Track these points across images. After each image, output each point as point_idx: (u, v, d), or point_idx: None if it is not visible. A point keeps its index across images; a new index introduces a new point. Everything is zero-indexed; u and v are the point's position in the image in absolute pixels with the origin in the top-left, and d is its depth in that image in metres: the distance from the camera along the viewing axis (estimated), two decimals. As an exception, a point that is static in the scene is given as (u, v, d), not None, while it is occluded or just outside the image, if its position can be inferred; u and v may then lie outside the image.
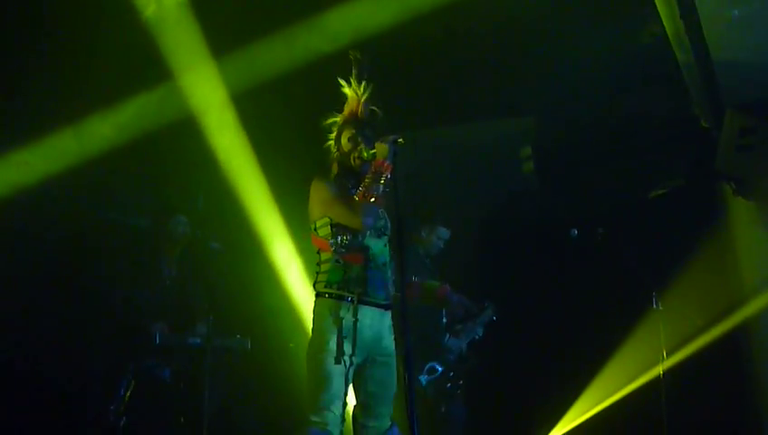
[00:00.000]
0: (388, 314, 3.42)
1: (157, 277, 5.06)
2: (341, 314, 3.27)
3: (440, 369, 4.97)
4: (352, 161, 3.44)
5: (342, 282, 3.30)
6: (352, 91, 3.45)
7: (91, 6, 4.52)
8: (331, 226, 3.36)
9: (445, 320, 5.17)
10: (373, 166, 3.33)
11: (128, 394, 4.70)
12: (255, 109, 5.16)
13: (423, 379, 4.87)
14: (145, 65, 4.86)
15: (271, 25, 4.66)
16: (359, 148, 3.40)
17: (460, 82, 5.14)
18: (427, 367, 4.92)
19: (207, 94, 5.14)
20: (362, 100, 3.44)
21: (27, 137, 4.96)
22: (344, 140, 3.47)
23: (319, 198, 3.41)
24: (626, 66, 5.02)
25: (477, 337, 5.24)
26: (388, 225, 3.50)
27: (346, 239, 3.30)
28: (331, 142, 3.52)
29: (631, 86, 5.24)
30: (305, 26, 4.64)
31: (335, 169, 3.52)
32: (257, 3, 4.59)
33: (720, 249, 5.42)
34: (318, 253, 3.45)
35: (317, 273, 3.42)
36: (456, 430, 5.12)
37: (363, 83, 3.42)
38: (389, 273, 3.44)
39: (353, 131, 3.46)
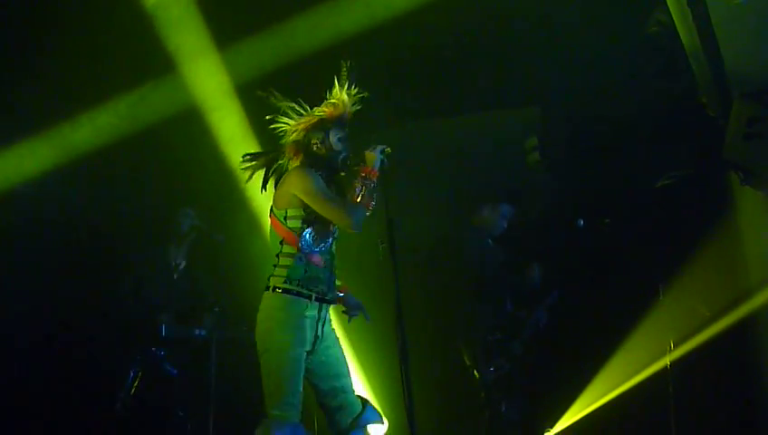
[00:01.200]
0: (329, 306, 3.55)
1: (165, 269, 5.07)
2: (302, 310, 3.36)
3: (506, 367, 4.91)
4: (339, 162, 3.50)
5: (303, 280, 3.36)
6: (345, 96, 3.49)
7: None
8: (303, 221, 3.39)
9: (509, 308, 5.10)
10: (363, 172, 3.44)
11: (135, 386, 4.71)
12: (259, 99, 5.14)
13: (487, 375, 4.81)
14: (149, 56, 4.86)
15: (274, 16, 4.65)
16: (350, 158, 3.50)
17: (465, 72, 5.12)
18: (492, 364, 4.86)
19: (212, 85, 5.15)
20: (350, 104, 3.50)
21: (33, 127, 4.98)
22: (333, 139, 3.49)
23: (303, 188, 3.39)
24: (632, 55, 4.99)
25: (542, 323, 5.19)
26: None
27: (319, 241, 3.39)
28: (296, 132, 3.50)
29: (637, 75, 5.21)
30: (309, 16, 4.62)
31: (298, 159, 3.53)
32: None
33: (727, 239, 5.39)
34: (280, 243, 3.43)
35: (274, 265, 3.42)
36: (512, 430, 5.05)
37: (353, 90, 3.48)
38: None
39: (343, 134, 3.52)
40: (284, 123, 3.51)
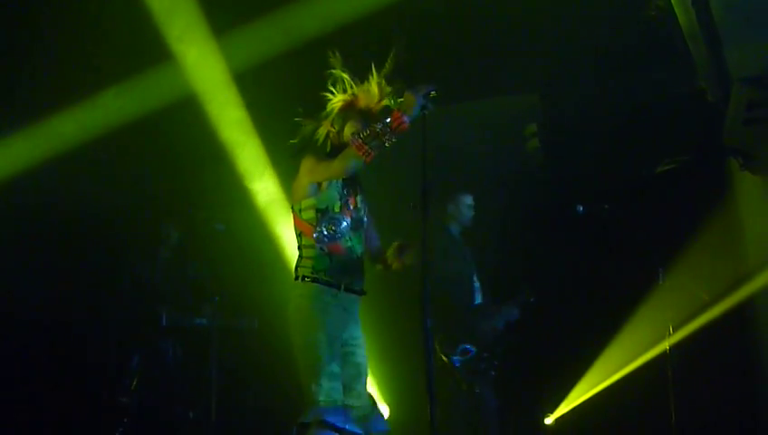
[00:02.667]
0: (360, 299, 3.43)
1: (154, 260, 5.10)
2: (329, 299, 3.28)
3: (473, 350, 4.95)
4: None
5: (329, 270, 3.29)
6: (378, 88, 3.28)
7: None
8: (316, 210, 3.29)
9: (478, 301, 5.16)
10: (391, 117, 3.05)
11: (136, 377, 4.73)
12: (258, 87, 5.13)
13: (456, 360, 4.86)
14: (145, 45, 4.83)
15: (272, 2, 4.61)
16: (388, 99, 3.23)
17: (463, 58, 5.09)
18: (460, 349, 4.91)
19: (209, 73, 5.12)
20: (383, 100, 3.29)
21: (30, 118, 4.97)
22: (348, 131, 3.33)
23: (306, 169, 3.28)
24: (631, 39, 4.96)
25: (513, 318, 5.24)
26: (366, 219, 3.44)
27: (331, 229, 3.26)
28: (326, 123, 3.37)
29: (637, 60, 5.18)
30: (307, 3, 4.59)
31: (327, 148, 3.40)
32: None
33: (727, 224, 5.39)
34: (299, 236, 3.37)
35: (300, 257, 3.36)
36: (490, 412, 5.09)
37: (391, 85, 3.27)
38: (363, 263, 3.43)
39: (360, 128, 3.26)
40: (330, 92, 3.33)
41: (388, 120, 3.05)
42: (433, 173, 3.02)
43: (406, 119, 3.04)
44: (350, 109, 3.33)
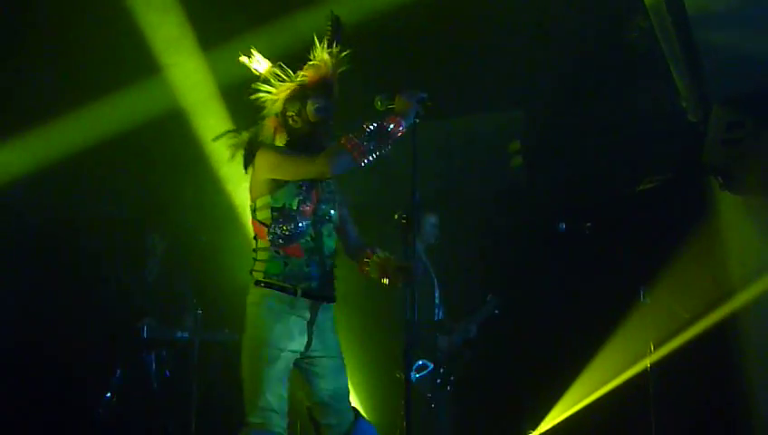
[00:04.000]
0: (331, 308, 3.09)
1: (143, 273, 5.08)
2: (282, 306, 2.93)
3: (430, 366, 4.98)
4: (322, 136, 3.00)
5: (282, 274, 2.93)
6: (327, 55, 2.96)
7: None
8: (272, 208, 2.93)
9: (438, 317, 5.19)
10: (386, 120, 2.80)
11: (115, 390, 4.69)
12: (243, 101, 5.14)
13: (413, 376, 4.86)
14: (132, 58, 4.84)
15: (258, 16, 4.64)
16: (377, 98, 2.93)
17: (447, 75, 5.12)
18: (417, 364, 4.92)
19: (195, 87, 5.13)
20: (337, 66, 2.99)
21: (15, 131, 4.95)
22: (310, 109, 2.99)
23: (268, 164, 2.91)
24: (613, 60, 5.02)
25: (471, 335, 5.26)
26: (334, 212, 3.08)
27: (286, 229, 2.90)
28: (276, 102, 3.01)
29: (619, 80, 5.25)
30: (293, 17, 4.61)
31: (282, 138, 3.07)
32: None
33: (707, 243, 5.44)
34: (255, 238, 3.02)
35: (254, 260, 3.01)
36: (445, 426, 5.14)
37: (339, 47, 2.98)
38: (333, 264, 3.07)
39: (323, 102, 2.99)
40: (266, 92, 3.02)
41: (386, 123, 2.81)
42: (413, 187, 2.93)
43: (403, 124, 2.85)
44: (308, 86, 3.00)
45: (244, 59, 3.06)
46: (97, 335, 4.91)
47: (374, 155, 2.82)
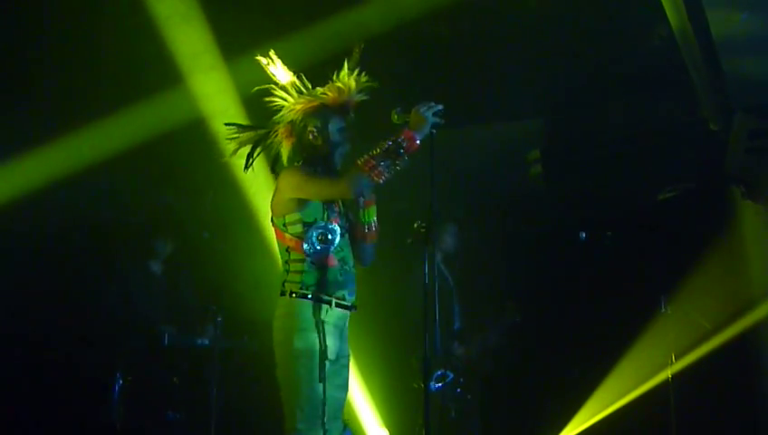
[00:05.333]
0: (349, 315, 3.18)
1: (146, 277, 5.10)
2: (317, 316, 3.02)
3: (451, 375, 4.95)
4: (337, 157, 3.11)
5: (318, 285, 3.04)
6: (353, 81, 3.07)
7: (99, 10, 4.57)
8: (303, 224, 3.05)
9: (457, 326, 5.18)
10: (401, 135, 2.89)
11: (119, 395, 4.70)
12: (264, 111, 5.18)
13: (432, 386, 4.84)
14: (154, 68, 4.89)
15: (279, 28, 4.67)
16: (393, 112, 3.00)
17: (468, 84, 5.14)
18: (436, 374, 4.91)
19: (217, 97, 5.18)
20: (356, 92, 3.09)
21: (35, 139, 5.01)
22: (333, 128, 3.11)
23: (292, 184, 3.03)
24: (634, 68, 5.01)
25: (489, 343, 5.24)
26: (347, 223, 3.19)
27: (322, 240, 3.02)
28: (293, 111, 3.09)
29: (640, 88, 5.23)
30: (316, 28, 4.65)
31: (295, 151, 3.14)
32: (267, 5, 4.62)
33: (729, 252, 5.40)
34: (287, 250, 3.10)
35: (287, 271, 3.09)
36: None
37: (359, 74, 3.07)
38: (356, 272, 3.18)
39: (343, 126, 3.11)
40: (281, 98, 3.11)
41: (401, 139, 2.90)
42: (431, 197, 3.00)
43: (418, 138, 2.92)
44: (328, 105, 3.11)
45: (262, 60, 3.14)
46: (102, 342, 4.92)
47: (391, 172, 2.92)
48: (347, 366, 3.18)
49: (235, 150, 3.19)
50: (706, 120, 5.04)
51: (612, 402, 5.60)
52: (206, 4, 4.72)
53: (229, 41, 4.83)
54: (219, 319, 4.87)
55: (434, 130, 2.96)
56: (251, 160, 3.19)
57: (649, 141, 5.45)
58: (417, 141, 2.91)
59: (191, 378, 4.93)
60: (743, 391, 5.30)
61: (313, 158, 3.14)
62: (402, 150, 2.90)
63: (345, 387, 3.17)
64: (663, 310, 4.98)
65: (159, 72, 4.92)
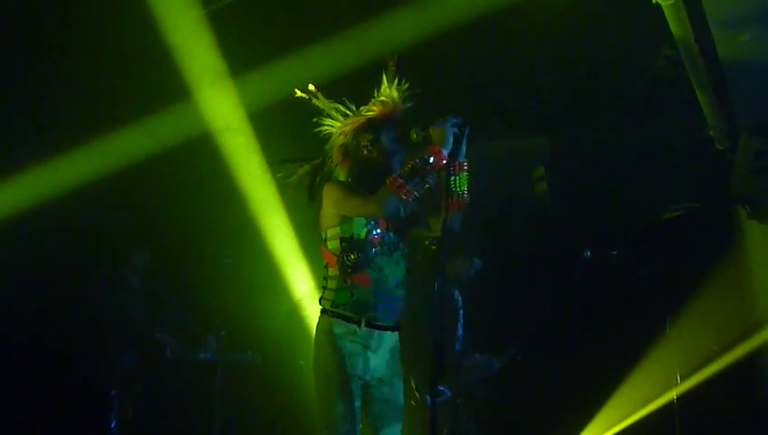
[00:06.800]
0: (396, 335, 3.20)
1: (126, 288, 5.10)
2: (347, 335, 3.06)
3: (447, 393, 4.94)
4: (394, 166, 3.09)
5: (349, 304, 3.06)
6: (394, 92, 3.11)
7: (110, 25, 4.61)
8: (341, 239, 3.08)
9: (458, 348, 5.16)
10: (426, 153, 2.89)
11: (129, 410, 4.69)
12: (271, 127, 5.21)
13: (428, 400, 4.83)
14: (163, 82, 4.93)
15: (288, 44, 4.71)
16: (412, 131, 3.02)
17: (474, 101, 5.16)
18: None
19: (224, 113, 5.21)
20: (401, 101, 3.13)
21: (45, 153, 5.04)
22: (385, 141, 3.12)
23: (333, 198, 3.08)
24: (640, 88, 5.03)
25: (493, 371, 5.22)
26: (403, 240, 3.18)
27: (354, 257, 3.03)
28: (343, 134, 3.14)
29: (646, 108, 5.25)
30: (323, 45, 4.68)
31: (352, 171, 3.17)
32: (276, 21, 4.65)
33: (734, 273, 5.38)
34: (325, 267, 3.16)
35: (323, 288, 3.16)
36: None
37: (403, 85, 3.12)
38: (403, 292, 3.16)
39: (396, 134, 3.11)
40: (329, 125, 3.16)
41: (427, 156, 2.89)
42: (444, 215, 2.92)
43: (444, 152, 2.91)
44: (376, 120, 3.14)
45: (302, 95, 3.19)
46: (112, 353, 4.91)
47: (420, 190, 2.92)
48: (390, 384, 3.15)
49: (297, 185, 3.24)
50: (712, 139, 5.05)
51: (616, 423, 5.56)
52: (216, 21, 4.76)
53: (235, 58, 4.86)
54: (223, 333, 4.87)
55: (458, 133, 2.94)
56: (312, 191, 3.22)
57: (655, 161, 5.46)
58: (444, 155, 2.91)
59: (193, 392, 4.92)
60: (748, 414, 5.27)
61: (371, 169, 3.13)
62: (430, 166, 2.90)
63: (389, 402, 3.14)
64: (668, 330, 4.97)
65: (169, 87, 4.95)
